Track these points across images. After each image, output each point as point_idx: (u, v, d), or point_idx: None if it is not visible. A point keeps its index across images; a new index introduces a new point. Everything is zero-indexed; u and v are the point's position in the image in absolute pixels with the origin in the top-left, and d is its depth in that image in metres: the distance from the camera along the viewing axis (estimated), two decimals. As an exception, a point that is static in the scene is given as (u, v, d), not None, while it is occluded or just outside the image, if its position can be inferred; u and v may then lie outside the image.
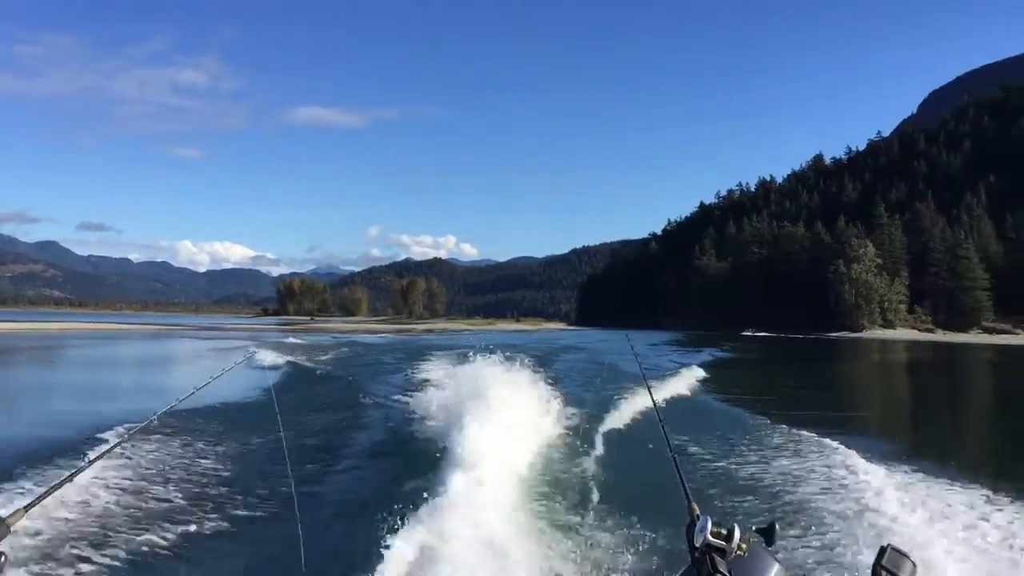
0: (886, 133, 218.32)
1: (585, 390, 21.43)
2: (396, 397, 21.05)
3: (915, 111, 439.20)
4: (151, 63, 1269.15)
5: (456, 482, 9.03)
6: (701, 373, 31.54)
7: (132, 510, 9.32)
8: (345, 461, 13.18)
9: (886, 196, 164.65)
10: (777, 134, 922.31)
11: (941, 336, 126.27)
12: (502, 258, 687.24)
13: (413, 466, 11.51)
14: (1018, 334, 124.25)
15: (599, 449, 13.43)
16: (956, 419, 26.10)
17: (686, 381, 27.47)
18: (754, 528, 2.96)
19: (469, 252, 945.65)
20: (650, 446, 11.90)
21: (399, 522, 7.61)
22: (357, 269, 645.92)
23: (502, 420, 12.53)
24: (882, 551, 2.78)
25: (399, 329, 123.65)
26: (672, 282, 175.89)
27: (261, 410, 17.03)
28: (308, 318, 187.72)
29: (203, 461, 12.69)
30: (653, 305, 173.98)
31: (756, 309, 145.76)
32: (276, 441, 12.33)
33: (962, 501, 10.34)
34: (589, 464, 12.25)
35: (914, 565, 2.72)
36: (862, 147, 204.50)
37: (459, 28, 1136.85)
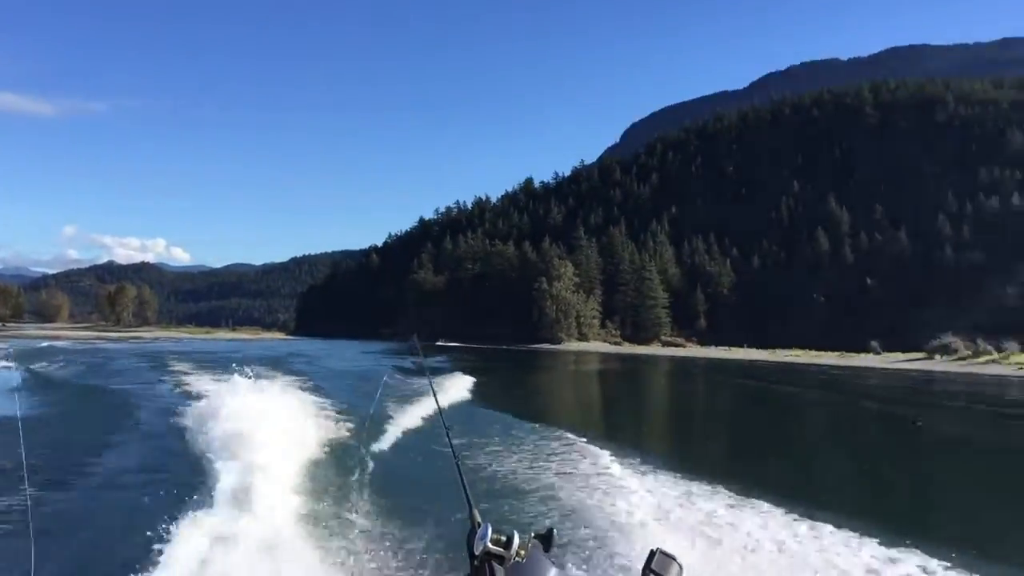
0: (593, 159, 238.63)
1: (358, 397, 21.40)
2: (153, 408, 20.33)
3: (618, 140, 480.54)
4: None
5: (231, 490, 9.05)
6: (469, 380, 32.82)
7: None
8: (94, 476, 12.63)
9: (586, 220, 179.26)
10: (497, 154, 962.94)
11: (627, 348, 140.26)
12: (217, 264, 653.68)
13: (180, 477, 11.36)
14: (687, 347, 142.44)
15: (382, 456, 13.78)
16: (681, 423, 29.98)
17: (457, 388, 28.58)
18: (533, 534, 3.03)
19: (181, 257, 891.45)
20: (434, 452, 12.83)
21: (166, 533, 7.59)
22: (51, 271, 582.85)
23: (275, 429, 12.65)
24: (651, 554, 2.84)
25: (102, 336, 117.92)
26: (391, 294, 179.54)
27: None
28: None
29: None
30: (373, 316, 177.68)
31: (469, 321, 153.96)
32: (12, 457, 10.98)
33: (712, 501, 11.46)
34: (372, 471, 12.38)
35: (680, 567, 2.81)
36: (568, 173, 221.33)
37: (175, 20, 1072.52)
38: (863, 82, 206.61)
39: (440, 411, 7.04)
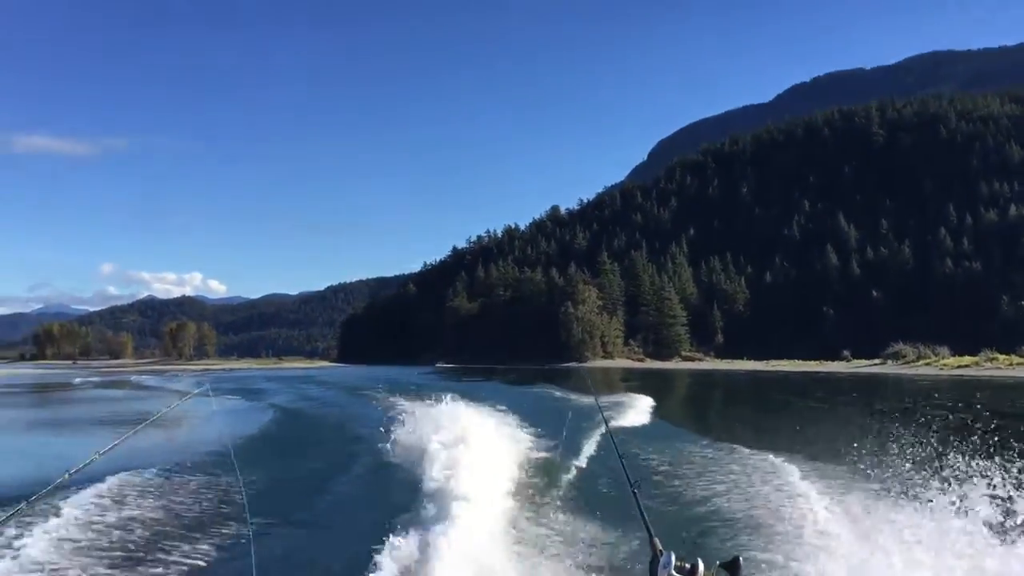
0: (622, 177, 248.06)
1: (538, 425, 21.15)
2: (358, 433, 21.15)
3: (645, 158, 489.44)
4: None
5: (441, 513, 9.50)
6: (649, 402, 31.62)
7: (73, 563, 8.93)
8: (309, 503, 13.10)
9: (609, 244, 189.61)
10: (530, 169, 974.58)
11: (649, 364, 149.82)
12: (254, 295, 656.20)
13: (391, 498, 11.99)
14: (706, 361, 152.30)
15: (564, 485, 13.61)
16: (797, 428, 24.14)
17: (630, 411, 27.38)
18: (718, 563, 3.10)
19: (217, 289, 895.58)
20: (610, 480, 12.58)
21: (386, 547, 8.12)
22: (93, 308, 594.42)
23: (474, 453, 13.17)
24: None
25: (179, 369, 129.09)
26: (428, 321, 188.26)
27: (212, 452, 16.72)
28: (70, 362, 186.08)
29: (151, 505, 12.06)
30: (411, 342, 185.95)
31: (501, 344, 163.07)
32: (231, 484, 12.23)
33: (895, 513, 9.20)
34: (555, 501, 12.29)
35: None
36: (592, 198, 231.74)
37: (190, 54, 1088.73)
38: (871, 101, 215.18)
39: (614, 443, 7.34)
